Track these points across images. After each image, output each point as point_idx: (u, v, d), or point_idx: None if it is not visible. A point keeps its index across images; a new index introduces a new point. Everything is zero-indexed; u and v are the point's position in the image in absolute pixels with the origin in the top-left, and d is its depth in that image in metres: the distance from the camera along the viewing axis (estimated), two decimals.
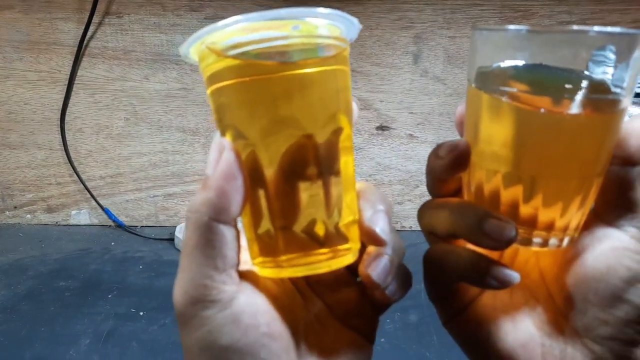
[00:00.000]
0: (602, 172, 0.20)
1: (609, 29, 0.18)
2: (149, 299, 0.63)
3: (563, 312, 0.21)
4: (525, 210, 0.20)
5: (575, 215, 0.20)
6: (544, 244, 0.21)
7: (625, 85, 0.19)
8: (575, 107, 0.18)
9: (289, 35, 0.21)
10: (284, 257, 0.21)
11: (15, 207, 0.77)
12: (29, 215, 0.77)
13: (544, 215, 0.20)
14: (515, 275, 0.20)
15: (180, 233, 0.72)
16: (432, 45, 0.67)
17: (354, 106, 0.23)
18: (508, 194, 0.20)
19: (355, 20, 0.22)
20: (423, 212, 0.23)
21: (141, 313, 0.61)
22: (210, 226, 0.20)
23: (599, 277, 0.20)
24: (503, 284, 0.20)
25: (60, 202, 0.77)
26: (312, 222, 0.21)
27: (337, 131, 0.21)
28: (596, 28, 0.17)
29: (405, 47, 0.67)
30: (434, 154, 0.22)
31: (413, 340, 0.58)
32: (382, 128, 0.72)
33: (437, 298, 0.25)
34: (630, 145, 0.19)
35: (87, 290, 0.65)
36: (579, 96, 0.18)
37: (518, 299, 0.23)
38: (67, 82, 0.68)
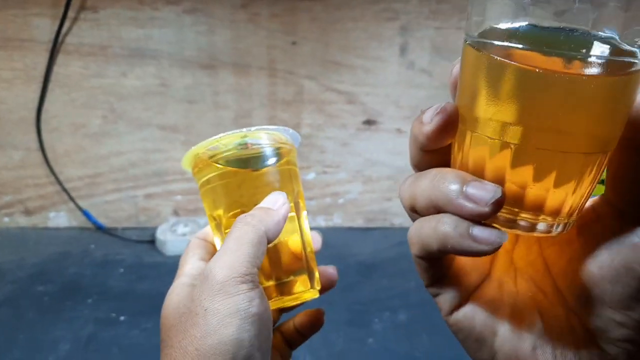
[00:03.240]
0: (607, 148, 0.18)
1: None
2: (130, 302, 0.61)
3: (574, 310, 0.20)
4: (512, 184, 0.18)
5: (571, 198, 0.18)
6: (530, 228, 0.19)
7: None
8: (579, 67, 0.16)
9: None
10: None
11: None
12: (6, 219, 0.75)
13: (533, 194, 0.18)
14: (497, 234, 0.17)
15: (161, 235, 0.70)
16: (418, 36, 0.66)
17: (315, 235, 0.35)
18: (495, 165, 0.18)
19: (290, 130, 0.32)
20: (403, 186, 0.21)
21: (122, 317, 0.59)
22: (263, 237, 0.28)
23: (616, 278, 0.18)
24: (486, 243, 0.17)
25: (39, 204, 0.74)
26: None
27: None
28: None
29: (391, 39, 0.65)
30: (419, 120, 0.20)
31: (402, 340, 0.57)
32: (368, 122, 0.70)
33: (433, 284, 0.22)
34: None
35: (66, 294, 0.63)
36: (583, 54, 0.16)
37: (524, 292, 0.22)
38: (42, 80, 0.66)
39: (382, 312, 0.60)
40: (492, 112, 0.18)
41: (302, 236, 0.32)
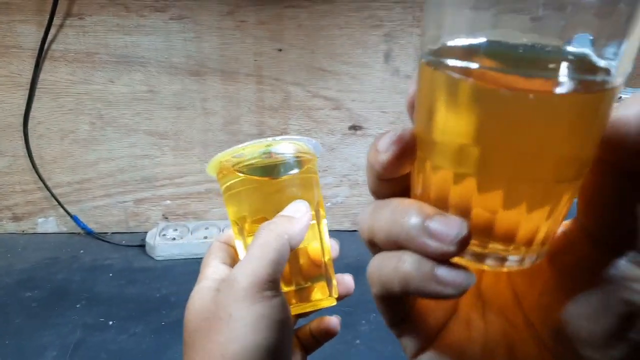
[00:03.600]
0: (579, 174, 0.16)
1: None
2: (118, 307, 0.62)
3: (548, 347, 0.18)
4: (478, 216, 0.16)
5: (545, 225, 0.16)
6: (501, 260, 0.17)
7: (615, 58, 0.14)
8: (546, 85, 0.15)
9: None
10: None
11: None
12: None
13: (502, 224, 0.16)
14: (465, 276, 0.15)
15: (151, 239, 0.71)
16: (402, 43, 0.67)
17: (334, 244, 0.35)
18: (459, 194, 0.16)
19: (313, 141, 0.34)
20: (361, 217, 0.19)
21: (110, 322, 0.59)
22: (286, 244, 0.29)
23: (593, 315, 0.16)
24: (452, 286, 0.15)
25: (27, 210, 0.74)
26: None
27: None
28: None
29: (375, 45, 0.66)
30: (373, 148, 0.18)
31: (388, 341, 0.58)
32: (354, 128, 0.72)
33: (395, 325, 0.20)
34: (631, 138, 0.14)
35: (55, 300, 0.63)
36: (550, 71, 0.15)
37: (495, 328, 0.20)
38: (29, 87, 0.66)
39: (368, 314, 0.61)
40: (453, 137, 0.16)
41: (321, 243, 0.33)
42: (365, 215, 0.19)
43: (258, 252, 0.27)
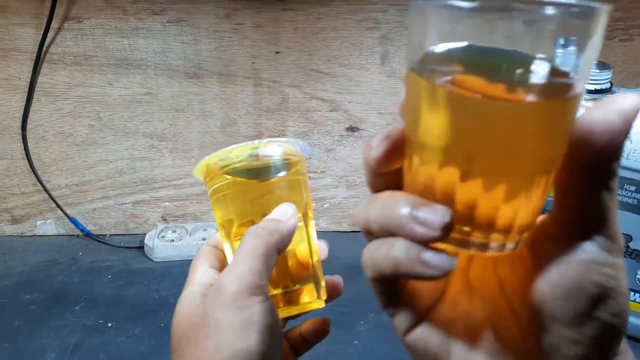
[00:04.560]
0: (551, 168, 0.18)
1: (559, 1, 0.15)
2: (117, 309, 0.62)
3: (528, 329, 0.20)
4: (461, 207, 0.18)
5: (520, 216, 0.18)
6: (483, 247, 0.19)
7: (578, 67, 0.16)
8: (518, 92, 0.16)
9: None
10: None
11: None
12: None
13: (482, 215, 0.18)
14: (448, 260, 0.18)
15: (149, 241, 0.71)
16: (398, 45, 0.67)
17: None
18: (443, 188, 0.18)
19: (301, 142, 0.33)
20: (358, 209, 0.21)
21: (109, 324, 0.60)
22: (274, 248, 0.28)
23: (567, 296, 0.18)
24: (437, 268, 0.18)
25: (25, 212, 0.74)
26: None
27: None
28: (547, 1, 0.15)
29: (371, 47, 0.67)
30: (368, 146, 0.20)
31: (386, 342, 0.58)
32: (352, 129, 0.72)
33: (388, 305, 0.23)
34: (596, 139, 0.16)
35: (53, 302, 0.63)
36: (522, 79, 0.16)
37: (479, 312, 0.22)
38: (27, 90, 0.66)
39: (366, 314, 0.62)
40: (435, 136, 0.18)
41: (309, 245, 0.33)
42: (361, 207, 0.21)
43: (245, 256, 0.27)
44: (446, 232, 0.17)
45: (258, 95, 0.69)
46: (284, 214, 0.30)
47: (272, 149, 0.32)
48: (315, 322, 0.35)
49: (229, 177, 0.31)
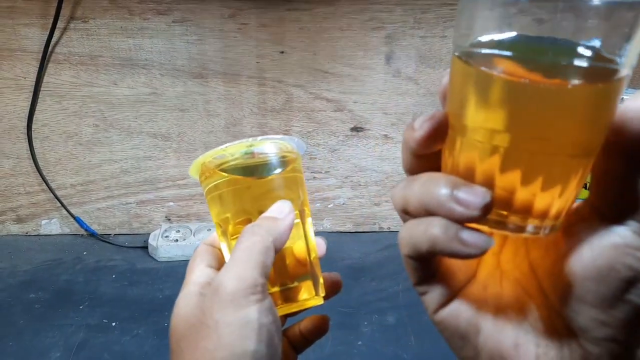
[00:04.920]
0: (591, 153, 0.18)
1: None
2: (121, 308, 0.62)
3: (558, 311, 0.20)
4: (501, 188, 0.18)
5: (558, 201, 0.19)
6: (519, 229, 0.19)
7: (622, 54, 0.17)
8: (562, 76, 0.17)
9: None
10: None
11: None
12: None
13: (521, 197, 0.18)
14: (485, 239, 0.18)
15: (154, 240, 0.71)
16: (403, 45, 0.67)
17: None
18: (484, 169, 0.19)
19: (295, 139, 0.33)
20: (396, 189, 0.21)
21: (113, 323, 0.60)
22: (271, 246, 0.28)
23: (598, 277, 0.18)
24: (474, 247, 0.18)
25: (30, 211, 0.75)
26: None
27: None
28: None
29: (376, 47, 0.67)
30: (410, 127, 0.21)
31: (390, 342, 0.58)
32: (356, 129, 0.72)
33: (421, 283, 0.22)
34: (632, 125, 0.17)
35: (58, 301, 0.63)
36: (567, 62, 0.17)
37: (509, 293, 0.22)
38: (33, 89, 0.67)
39: (370, 315, 0.62)
40: (480, 121, 0.18)
41: (306, 242, 0.33)
42: (399, 187, 0.21)
43: (243, 255, 0.27)
44: (485, 212, 0.18)
45: (262, 95, 0.69)
46: (280, 211, 0.30)
47: (268, 147, 0.32)
48: (314, 320, 0.35)
49: (225, 175, 0.31)
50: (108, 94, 0.68)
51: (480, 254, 0.18)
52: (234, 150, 0.31)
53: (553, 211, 0.19)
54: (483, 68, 0.18)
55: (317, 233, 0.34)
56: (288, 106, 0.70)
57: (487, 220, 0.19)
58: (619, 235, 0.18)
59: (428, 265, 0.22)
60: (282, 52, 0.66)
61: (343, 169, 0.74)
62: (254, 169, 0.31)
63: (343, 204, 0.76)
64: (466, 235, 0.18)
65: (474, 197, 0.18)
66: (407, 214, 0.21)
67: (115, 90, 0.68)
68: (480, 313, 0.22)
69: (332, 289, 0.35)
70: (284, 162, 0.32)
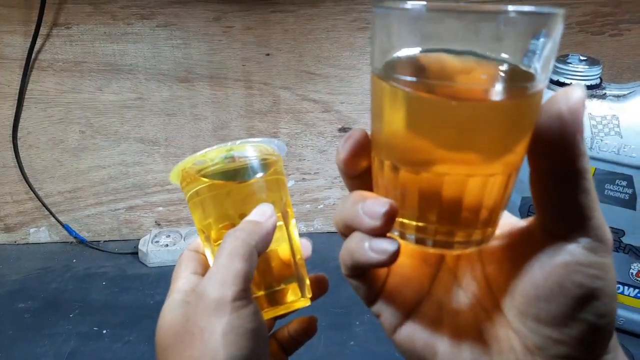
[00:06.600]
0: (510, 168, 0.18)
1: (524, 8, 0.15)
2: (112, 315, 0.62)
3: (514, 329, 0.20)
4: (424, 205, 0.19)
5: (481, 214, 0.18)
6: (446, 244, 0.19)
7: (538, 66, 0.16)
8: (472, 92, 0.17)
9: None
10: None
11: None
12: None
13: (445, 214, 0.18)
14: (388, 242, 0.18)
15: (144, 246, 0.71)
16: None
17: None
18: (404, 188, 0.19)
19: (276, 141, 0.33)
20: (335, 212, 0.22)
21: (104, 331, 0.59)
22: (254, 250, 0.28)
23: (550, 297, 0.18)
24: (381, 253, 0.19)
25: (18, 220, 0.74)
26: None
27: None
28: (510, 7, 0.15)
29: (362, 48, 0.67)
30: (337, 150, 0.21)
31: (382, 342, 0.58)
32: (344, 130, 0.72)
33: (371, 303, 0.23)
34: (549, 144, 0.16)
35: (48, 310, 0.63)
36: (482, 80, 0.17)
37: (466, 310, 0.22)
38: (17, 97, 0.66)
39: (362, 315, 0.62)
40: (397, 139, 0.18)
41: (291, 244, 0.32)
42: (337, 209, 0.22)
43: (226, 261, 0.27)
44: (387, 220, 0.18)
45: (249, 97, 0.69)
46: (262, 214, 0.30)
47: (248, 150, 0.32)
48: (303, 321, 0.35)
49: (206, 180, 0.31)
50: (93, 100, 0.67)
51: (389, 259, 0.19)
52: (214, 155, 0.31)
53: (479, 221, 0.19)
54: (394, 85, 0.17)
55: (307, 234, 0.34)
56: (275, 108, 0.70)
57: (423, 241, 0.19)
58: (569, 253, 0.18)
59: (370, 284, 0.22)
60: (268, 55, 0.66)
61: (332, 170, 0.74)
62: (234, 173, 0.31)
63: (333, 204, 0.77)
64: (374, 242, 0.19)
65: (376, 207, 0.19)
66: (341, 234, 0.21)
67: (100, 96, 0.67)
68: (435, 334, 0.22)
69: (319, 290, 0.35)
70: (264, 165, 0.32)
